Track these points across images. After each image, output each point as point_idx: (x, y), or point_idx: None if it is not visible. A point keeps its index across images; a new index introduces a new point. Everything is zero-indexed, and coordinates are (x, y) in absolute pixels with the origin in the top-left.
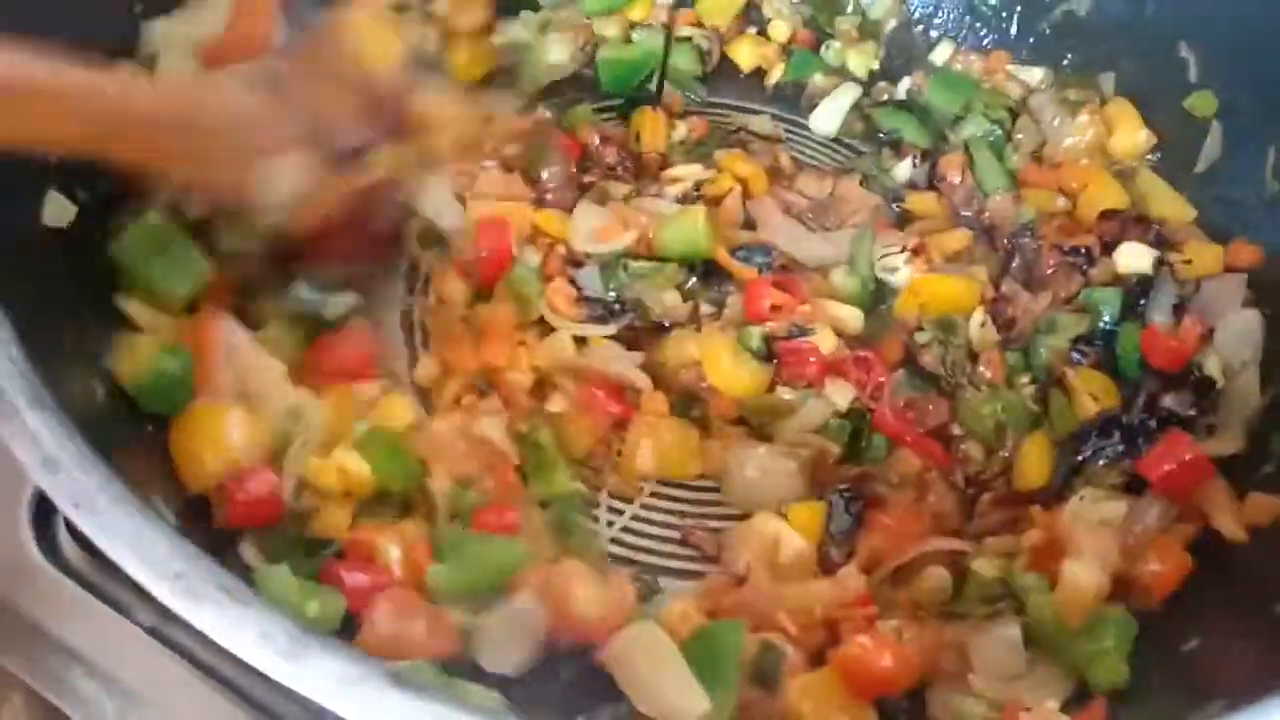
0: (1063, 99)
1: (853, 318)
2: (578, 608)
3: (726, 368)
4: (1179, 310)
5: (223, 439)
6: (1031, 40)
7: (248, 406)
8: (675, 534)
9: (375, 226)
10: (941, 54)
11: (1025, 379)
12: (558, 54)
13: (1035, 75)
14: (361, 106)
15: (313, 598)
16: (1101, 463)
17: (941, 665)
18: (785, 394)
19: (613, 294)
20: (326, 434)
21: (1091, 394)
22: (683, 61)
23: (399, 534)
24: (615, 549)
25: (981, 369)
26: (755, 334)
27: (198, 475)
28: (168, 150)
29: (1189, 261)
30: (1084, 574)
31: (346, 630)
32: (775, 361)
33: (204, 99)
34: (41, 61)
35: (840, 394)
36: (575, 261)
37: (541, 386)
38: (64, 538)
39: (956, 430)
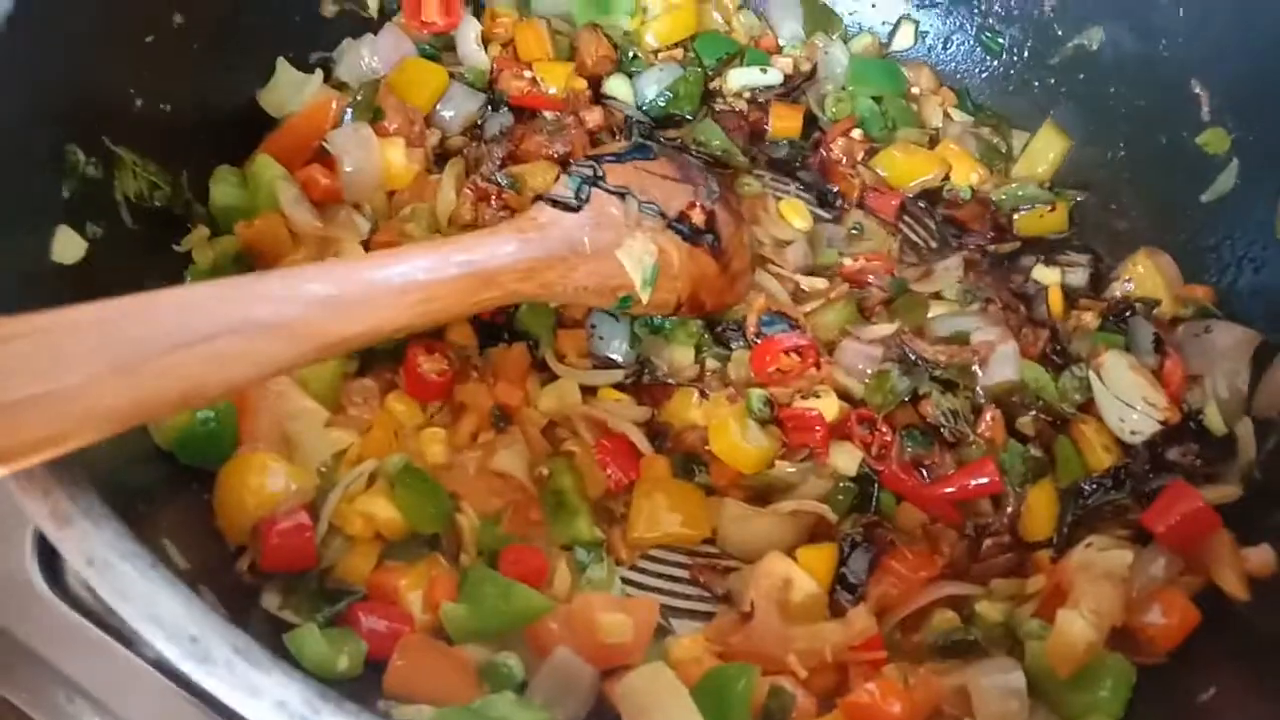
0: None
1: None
2: (604, 636)
3: (732, 442)
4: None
5: (265, 486)
6: (1042, 75)
7: (288, 454)
8: (684, 574)
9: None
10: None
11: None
12: None
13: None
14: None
15: (341, 651)
16: (1108, 515)
17: (942, 710)
18: (787, 468)
19: (629, 351)
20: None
21: (1104, 446)
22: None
23: (422, 574)
24: (626, 589)
25: (983, 429)
26: (758, 397)
27: (240, 523)
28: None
29: (1129, 280)
30: (1076, 623)
31: (375, 668)
32: (778, 424)
33: (555, 231)
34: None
35: (847, 457)
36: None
37: (555, 427)
38: (69, 568)
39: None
